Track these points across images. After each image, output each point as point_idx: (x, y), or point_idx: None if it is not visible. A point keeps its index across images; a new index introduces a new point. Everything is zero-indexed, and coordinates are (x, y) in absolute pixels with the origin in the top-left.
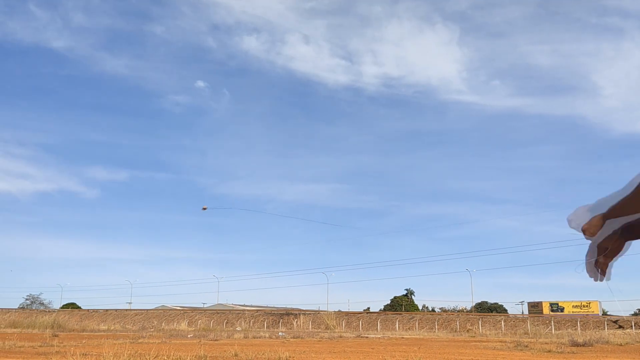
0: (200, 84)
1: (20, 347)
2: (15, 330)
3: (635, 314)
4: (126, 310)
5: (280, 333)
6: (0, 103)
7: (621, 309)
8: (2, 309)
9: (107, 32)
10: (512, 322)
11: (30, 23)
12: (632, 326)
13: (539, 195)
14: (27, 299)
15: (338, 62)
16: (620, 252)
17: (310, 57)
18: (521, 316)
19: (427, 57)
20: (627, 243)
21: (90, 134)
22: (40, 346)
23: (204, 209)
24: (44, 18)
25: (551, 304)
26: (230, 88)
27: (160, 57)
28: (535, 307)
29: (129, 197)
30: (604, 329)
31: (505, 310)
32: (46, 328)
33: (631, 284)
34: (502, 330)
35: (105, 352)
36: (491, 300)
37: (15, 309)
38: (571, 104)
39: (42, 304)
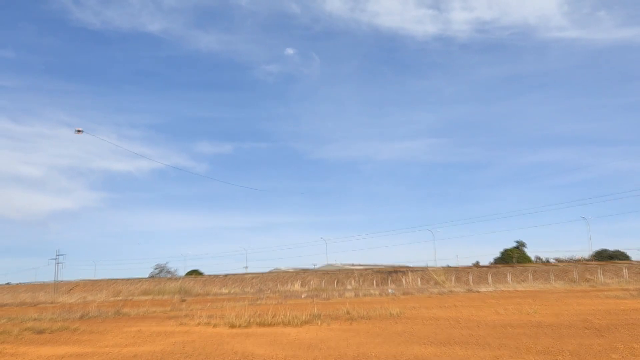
0: (290, 51)
1: (153, 312)
2: (147, 297)
3: None
4: (243, 274)
5: (390, 290)
6: (110, 89)
7: None
8: (135, 278)
9: (195, 10)
10: (636, 269)
11: (125, 10)
12: None
13: None
14: (155, 269)
15: (425, 12)
16: None
17: (395, 10)
18: None
19: None
20: None
21: (194, 110)
22: (171, 310)
23: (79, 131)
24: (137, 3)
25: None
26: (319, 52)
27: (248, 29)
28: None
29: (235, 168)
30: None
31: (627, 258)
32: (174, 294)
33: None
34: (625, 278)
35: (228, 314)
36: (611, 248)
37: (146, 277)
38: None
39: (169, 272)
